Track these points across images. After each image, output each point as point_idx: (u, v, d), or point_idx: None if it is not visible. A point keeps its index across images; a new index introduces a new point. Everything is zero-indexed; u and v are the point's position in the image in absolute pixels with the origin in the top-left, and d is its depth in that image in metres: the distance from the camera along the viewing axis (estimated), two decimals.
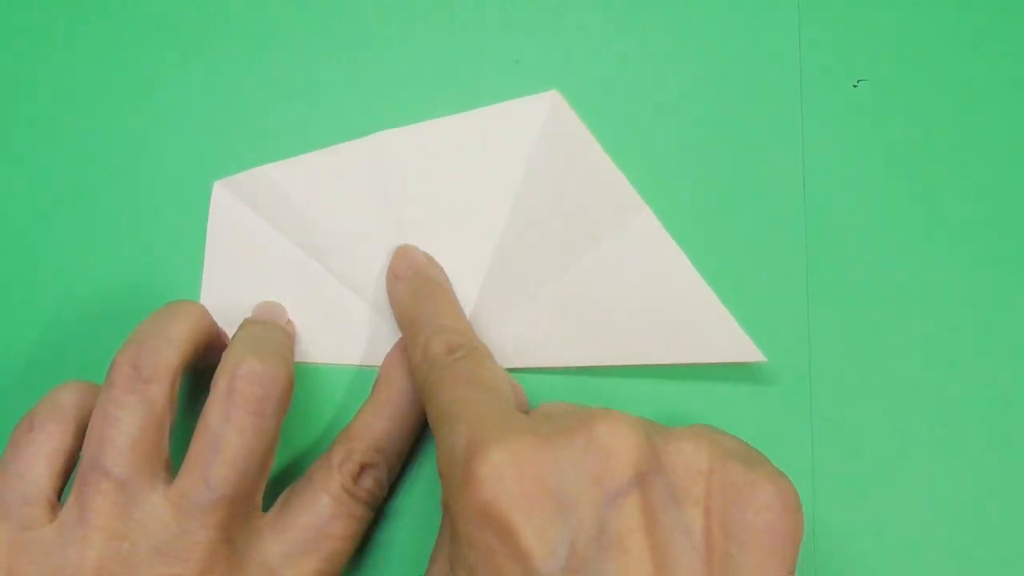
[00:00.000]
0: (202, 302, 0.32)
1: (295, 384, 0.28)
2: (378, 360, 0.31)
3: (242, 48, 0.33)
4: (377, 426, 0.29)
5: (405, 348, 0.30)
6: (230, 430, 0.26)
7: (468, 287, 0.32)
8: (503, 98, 0.32)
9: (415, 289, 0.30)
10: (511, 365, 0.32)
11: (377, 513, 0.30)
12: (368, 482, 0.28)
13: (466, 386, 0.26)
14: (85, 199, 0.32)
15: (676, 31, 0.33)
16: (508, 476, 0.22)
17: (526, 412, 0.26)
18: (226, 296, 0.32)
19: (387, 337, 0.32)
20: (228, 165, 0.32)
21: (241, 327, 0.29)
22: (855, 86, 0.32)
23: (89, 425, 0.26)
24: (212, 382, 0.26)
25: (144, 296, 0.32)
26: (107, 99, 0.33)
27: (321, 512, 0.27)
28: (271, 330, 0.29)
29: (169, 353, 0.26)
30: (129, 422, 0.25)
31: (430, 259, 0.32)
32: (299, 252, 0.32)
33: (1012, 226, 0.32)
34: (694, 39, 0.33)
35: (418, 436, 0.30)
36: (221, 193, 0.32)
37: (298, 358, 0.32)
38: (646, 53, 0.33)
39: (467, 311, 0.32)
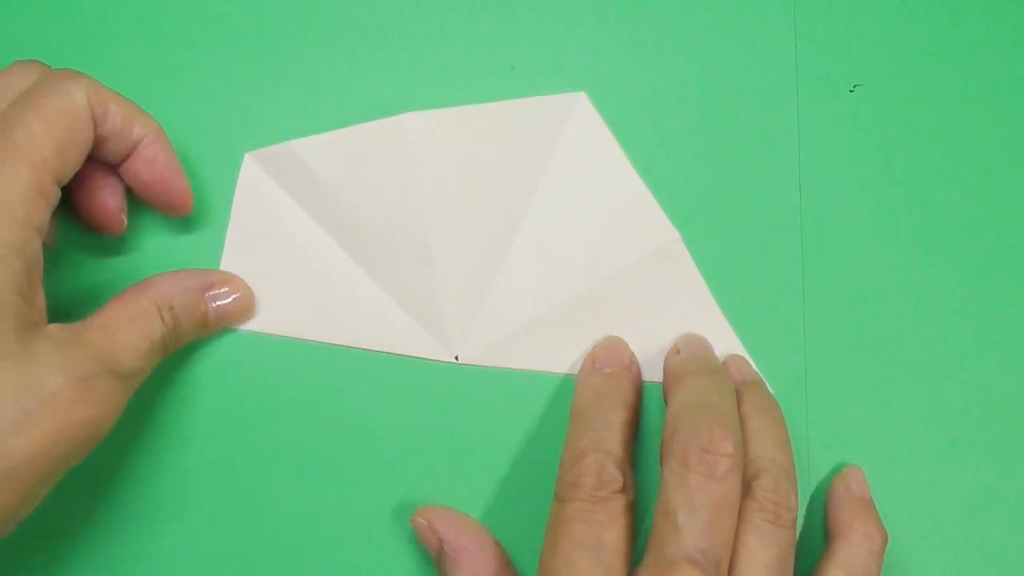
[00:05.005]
0: (222, 267, 0.32)
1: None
2: (384, 345, 0.32)
3: (237, 51, 0.33)
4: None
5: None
6: None
7: (483, 278, 0.32)
8: None
9: None
10: (515, 365, 0.32)
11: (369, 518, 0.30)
12: None
13: None
14: None
15: (672, 38, 0.33)
16: None
17: None
18: (245, 264, 0.32)
19: (394, 321, 0.32)
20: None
21: None
22: (851, 91, 0.33)
23: None
24: None
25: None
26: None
27: None
28: None
29: None
30: None
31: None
32: (319, 229, 0.32)
33: (1008, 231, 0.32)
34: (690, 45, 0.33)
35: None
36: (251, 165, 0.33)
37: (305, 336, 0.32)
38: (642, 60, 0.33)
39: (480, 304, 0.32)
